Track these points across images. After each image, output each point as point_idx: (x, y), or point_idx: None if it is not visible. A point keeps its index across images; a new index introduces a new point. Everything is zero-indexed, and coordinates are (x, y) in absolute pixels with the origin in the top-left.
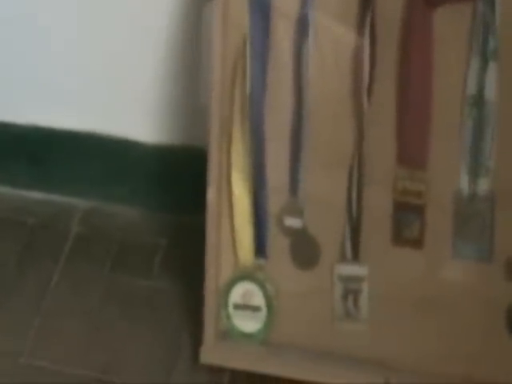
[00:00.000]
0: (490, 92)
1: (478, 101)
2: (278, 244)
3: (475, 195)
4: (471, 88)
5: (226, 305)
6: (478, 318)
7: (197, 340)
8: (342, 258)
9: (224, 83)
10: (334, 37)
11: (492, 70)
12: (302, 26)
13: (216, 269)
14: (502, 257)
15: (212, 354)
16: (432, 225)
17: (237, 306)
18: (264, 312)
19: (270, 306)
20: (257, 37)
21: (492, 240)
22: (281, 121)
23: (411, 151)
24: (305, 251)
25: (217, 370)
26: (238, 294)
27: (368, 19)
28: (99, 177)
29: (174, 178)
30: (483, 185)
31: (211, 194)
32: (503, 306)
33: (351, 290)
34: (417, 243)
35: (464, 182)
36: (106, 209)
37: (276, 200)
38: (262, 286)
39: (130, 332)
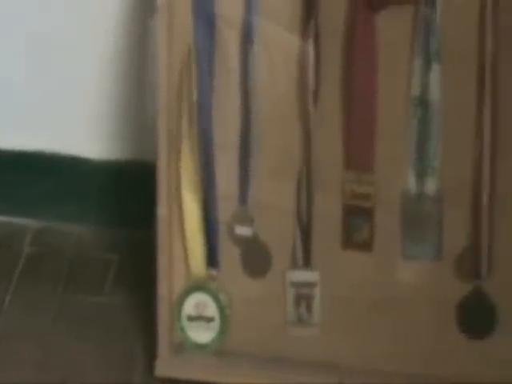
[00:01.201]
0: (434, 93)
1: (423, 102)
2: (230, 253)
3: (422, 195)
4: (415, 89)
5: (179, 317)
6: (430, 317)
7: (152, 353)
8: (294, 265)
9: (171, 95)
10: (279, 42)
11: (435, 70)
12: (248, 33)
13: (168, 282)
14: (450, 255)
15: (167, 366)
16: (381, 227)
17: (190, 318)
18: (217, 322)
19: (223, 315)
20: (202, 46)
21: (441, 239)
22: (229, 129)
23: (358, 154)
24: (256, 259)
25: (172, 381)
26: (191, 305)
27: (312, 23)
28: (49, 196)
29: (123, 194)
30: (430, 184)
31: (162, 208)
32: (453, 303)
33: (303, 295)
34: (367, 246)
35: (411, 183)
36: (58, 227)
37: (226, 209)
38: (215, 297)
39: (84, 350)
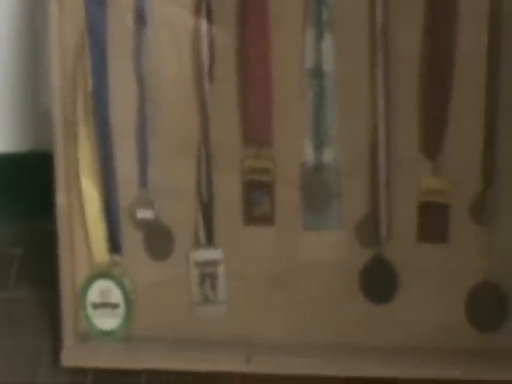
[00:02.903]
0: (328, 63)
1: (317, 73)
2: (132, 238)
3: (321, 165)
4: (309, 61)
5: (84, 305)
6: (335, 286)
7: (58, 344)
8: (197, 244)
9: (65, 82)
10: (173, 22)
11: (328, 41)
12: (140, 14)
13: (71, 271)
14: (351, 223)
15: (73, 356)
16: (281, 200)
17: (95, 306)
18: (123, 308)
19: (128, 301)
20: (95, 30)
21: (341, 208)
22: (126, 113)
23: (256, 130)
24: (159, 242)
25: (79, 372)
26: (95, 293)
27: (204, 2)
28: None
29: (23, 186)
30: (328, 154)
31: (60, 198)
32: (357, 270)
33: (208, 274)
34: (268, 220)
35: (309, 154)
36: None
37: (127, 194)
38: (119, 282)
39: None
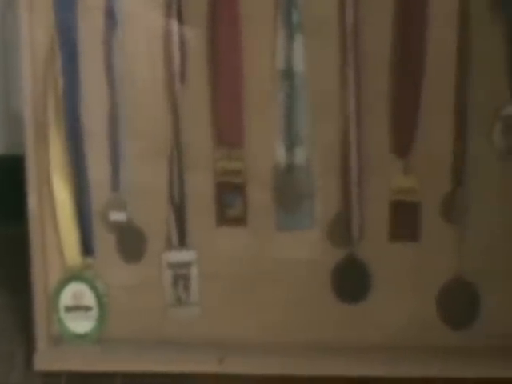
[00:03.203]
0: (299, 64)
1: (288, 74)
2: (105, 240)
3: (293, 166)
4: (280, 61)
5: (56, 309)
6: (308, 286)
7: (31, 348)
8: (169, 246)
9: (36, 84)
10: (143, 22)
11: (299, 42)
12: (110, 16)
13: (43, 274)
14: (323, 222)
15: (46, 359)
16: (254, 201)
17: (68, 309)
18: (96, 311)
19: (101, 303)
20: (65, 31)
21: (313, 207)
22: (98, 115)
23: (227, 131)
24: (131, 244)
25: (53, 375)
26: (68, 296)
27: (174, 1)
28: None
29: None
30: (299, 155)
31: (32, 201)
32: (329, 269)
33: (181, 275)
34: (241, 221)
35: (281, 155)
36: None
37: (99, 196)
38: (92, 285)
39: None
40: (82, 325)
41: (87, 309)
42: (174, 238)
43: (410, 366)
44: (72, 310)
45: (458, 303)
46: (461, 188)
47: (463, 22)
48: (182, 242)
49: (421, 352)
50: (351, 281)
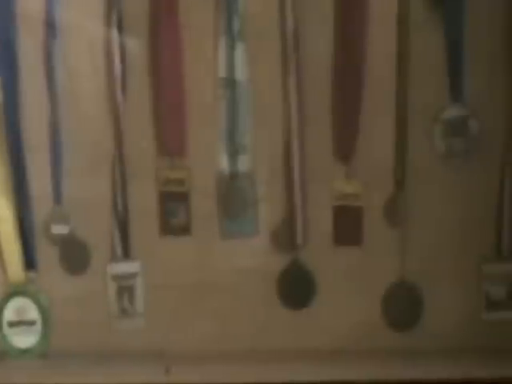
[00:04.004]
0: (241, 72)
1: (230, 82)
2: (48, 253)
3: (236, 174)
4: (222, 70)
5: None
6: (253, 293)
7: None
8: (114, 258)
9: None
10: (84, 34)
11: (240, 49)
12: (51, 27)
13: None
14: (268, 229)
15: None
16: (198, 209)
17: (11, 324)
18: (39, 325)
19: (44, 317)
20: (5, 43)
21: (256, 215)
22: (38, 128)
23: (170, 140)
24: (75, 256)
25: None
26: (10, 311)
27: (115, 12)
28: None
29: None
30: (242, 163)
31: None
32: (274, 277)
33: (125, 287)
34: (185, 230)
35: (224, 163)
36: None
37: (41, 210)
38: (35, 299)
39: None
40: (26, 340)
41: (31, 323)
42: (118, 250)
43: (357, 370)
44: (15, 325)
45: (402, 305)
46: (402, 192)
47: (402, 24)
48: (126, 254)
49: (366, 355)
50: (296, 286)
